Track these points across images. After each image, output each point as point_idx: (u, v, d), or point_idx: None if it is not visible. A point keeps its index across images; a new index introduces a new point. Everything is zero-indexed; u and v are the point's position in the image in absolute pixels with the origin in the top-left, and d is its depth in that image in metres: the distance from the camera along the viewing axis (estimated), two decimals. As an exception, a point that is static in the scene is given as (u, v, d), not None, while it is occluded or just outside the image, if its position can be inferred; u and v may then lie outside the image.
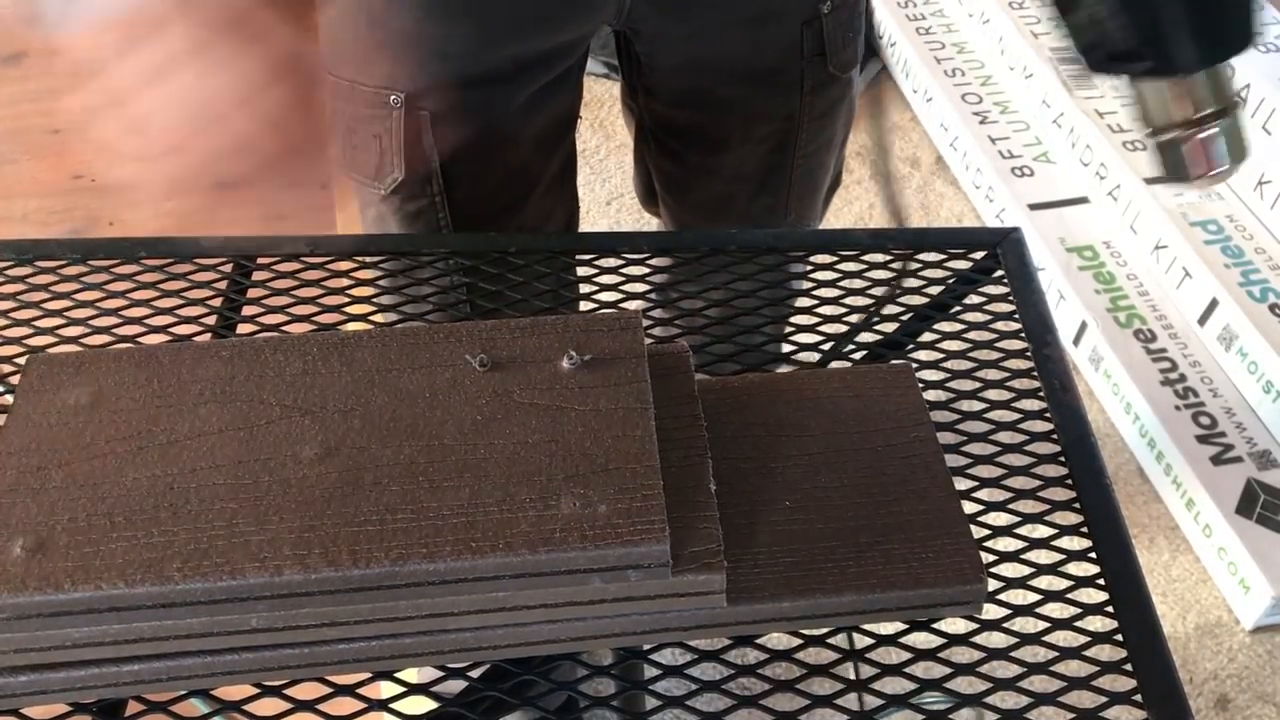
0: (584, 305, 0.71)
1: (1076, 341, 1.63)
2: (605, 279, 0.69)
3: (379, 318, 0.70)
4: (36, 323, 0.66)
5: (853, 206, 1.88)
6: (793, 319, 0.67)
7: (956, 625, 0.52)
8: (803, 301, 0.68)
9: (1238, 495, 1.38)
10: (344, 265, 0.70)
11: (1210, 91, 0.42)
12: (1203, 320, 1.55)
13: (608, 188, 1.90)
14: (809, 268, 0.70)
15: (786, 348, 0.65)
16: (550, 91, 0.79)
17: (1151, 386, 1.50)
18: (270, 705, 0.50)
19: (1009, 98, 1.97)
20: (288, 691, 0.51)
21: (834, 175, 0.95)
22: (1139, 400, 1.50)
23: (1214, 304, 1.53)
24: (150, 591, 0.45)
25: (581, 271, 0.73)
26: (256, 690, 0.50)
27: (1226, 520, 1.35)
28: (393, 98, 0.75)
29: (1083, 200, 1.78)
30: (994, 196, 1.81)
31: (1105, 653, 0.51)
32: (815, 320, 0.66)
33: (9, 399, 0.63)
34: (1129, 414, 1.52)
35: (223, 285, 0.69)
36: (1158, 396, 1.49)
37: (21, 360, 0.64)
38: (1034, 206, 1.76)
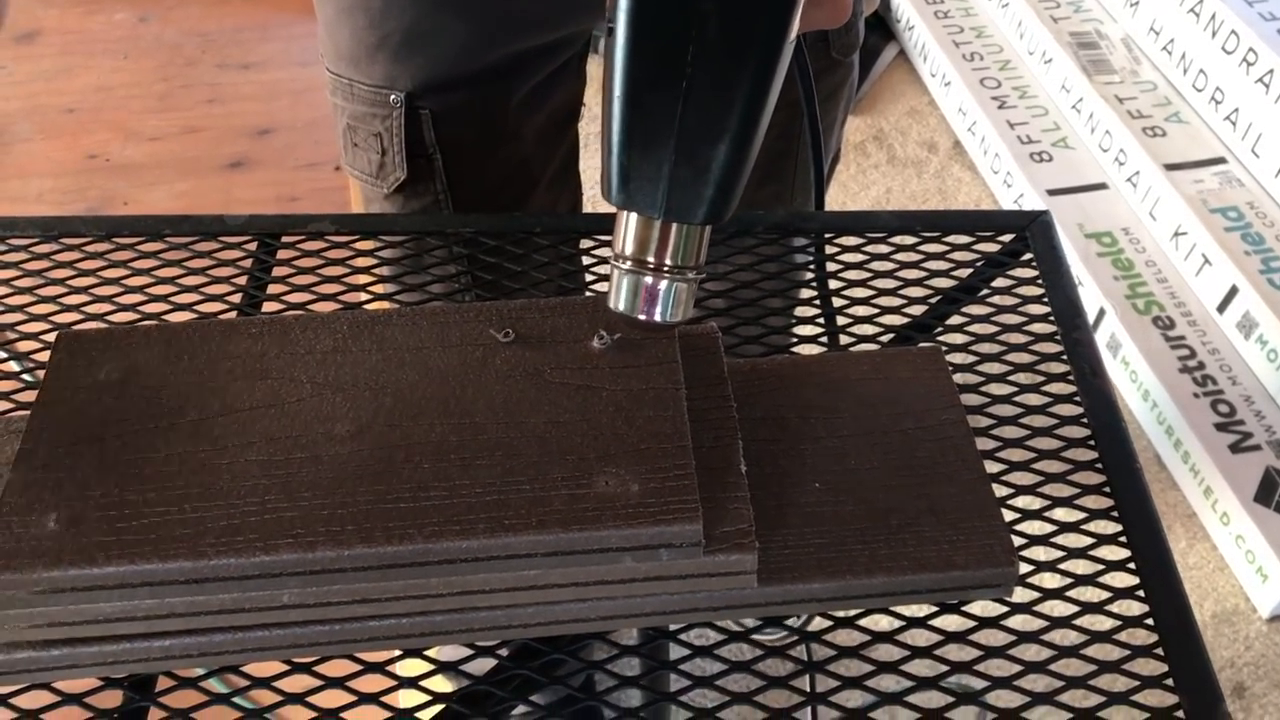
0: (600, 287, 0.70)
1: (1094, 328, 1.63)
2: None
3: (404, 297, 0.70)
4: (62, 300, 0.66)
5: (869, 191, 1.87)
6: (818, 301, 0.67)
7: (987, 608, 0.52)
8: (830, 284, 0.67)
9: (1256, 483, 1.37)
10: (368, 244, 0.70)
11: (682, 246, 0.43)
12: (1222, 308, 1.55)
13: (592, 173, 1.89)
14: (809, 258, 0.70)
15: (812, 330, 0.65)
16: (553, 81, 0.78)
17: (1170, 374, 1.50)
18: (300, 682, 0.50)
19: (1028, 82, 1.96)
20: (317, 668, 0.51)
21: (834, 154, 0.94)
22: (1157, 387, 1.49)
23: (1234, 291, 1.52)
24: (184, 567, 0.45)
25: (600, 253, 0.72)
26: (286, 666, 0.51)
27: (1244, 508, 1.35)
28: (393, 97, 0.74)
29: (1101, 186, 1.77)
30: (1012, 182, 1.81)
31: (1136, 637, 0.51)
32: (843, 303, 0.65)
33: (27, 377, 0.63)
34: (1147, 401, 1.52)
35: (247, 264, 0.69)
36: (1176, 384, 1.49)
37: (48, 337, 0.64)
38: (1052, 192, 1.75)
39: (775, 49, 0.39)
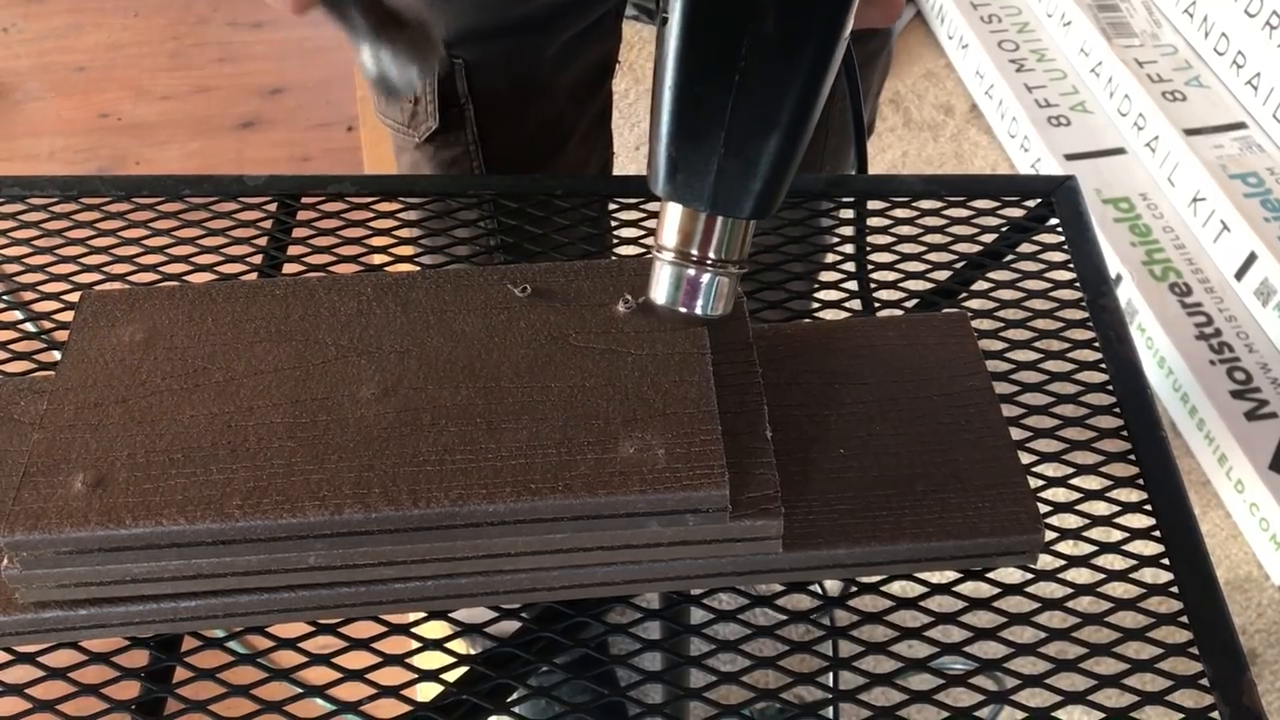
0: (624, 250, 0.70)
1: (1110, 294, 1.62)
2: (651, 224, 0.68)
3: (426, 259, 0.69)
4: (83, 260, 0.66)
5: (885, 155, 1.86)
6: (843, 266, 0.66)
7: (1011, 575, 0.52)
8: (852, 249, 0.67)
9: (1271, 451, 1.37)
10: (389, 206, 0.70)
11: (726, 240, 0.43)
12: (1240, 274, 1.54)
13: (636, 133, 1.88)
14: (832, 222, 0.69)
15: (836, 295, 0.65)
16: (586, 37, 0.78)
17: (1186, 340, 1.49)
18: (324, 643, 0.51)
19: (1046, 45, 1.93)
20: (342, 629, 0.51)
21: (867, 123, 0.94)
22: (1173, 354, 1.48)
23: (1252, 258, 1.51)
24: (211, 528, 0.45)
25: (623, 216, 0.72)
26: (311, 628, 0.51)
27: (1259, 476, 1.35)
28: None
29: (1120, 151, 1.75)
30: (1029, 146, 1.79)
31: (1161, 605, 0.51)
32: (868, 268, 0.65)
33: (38, 339, 0.63)
34: (1163, 368, 1.51)
35: (267, 224, 0.68)
36: (1192, 351, 1.48)
37: (69, 297, 0.64)
38: (1070, 157, 1.74)
39: (831, 45, 0.39)
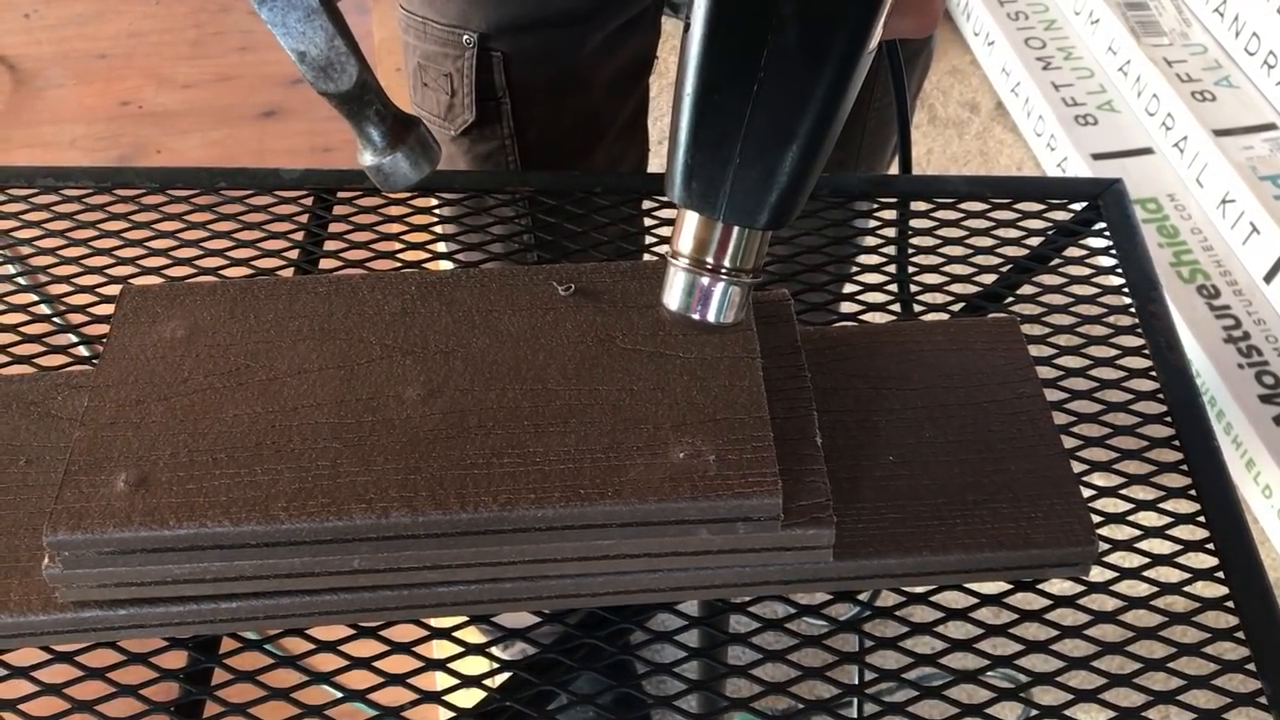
0: (660, 249, 0.69)
1: (1137, 295, 1.60)
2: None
3: (462, 256, 0.69)
4: (117, 252, 0.65)
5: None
6: (887, 269, 0.65)
7: (1062, 587, 0.51)
8: (887, 250, 0.66)
9: (1300, 457, 1.36)
10: (425, 201, 0.69)
11: (740, 249, 0.42)
12: (1269, 277, 1.52)
13: (659, 128, 1.86)
14: (875, 224, 0.68)
15: (882, 297, 0.64)
16: (627, 31, 0.77)
17: (1214, 344, 1.48)
18: (366, 646, 0.50)
19: (1074, 43, 1.92)
20: (383, 633, 0.50)
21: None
22: (1200, 358, 1.47)
23: (1282, 261, 1.50)
24: (255, 530, 0.44)
25: (661, 215, 0.71)
26: (352, 630, 0.50)
27: (1288, 482, 1.34)
28: (465, 37, 0.74)
29: (1147, 151, 1.74)
30: (1055, 145, 1.77)
31: (1216, 619, 0.50)
32: (913, 270, 0.64)
33: (72, 333, 0.63)
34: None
35: (303, 219, 0.68)
36: (1220, 354, 1.47)
37: (104, 290, 0.63)
38: (1097, 156, 1.72)
39: (852, 59, 0.38)
